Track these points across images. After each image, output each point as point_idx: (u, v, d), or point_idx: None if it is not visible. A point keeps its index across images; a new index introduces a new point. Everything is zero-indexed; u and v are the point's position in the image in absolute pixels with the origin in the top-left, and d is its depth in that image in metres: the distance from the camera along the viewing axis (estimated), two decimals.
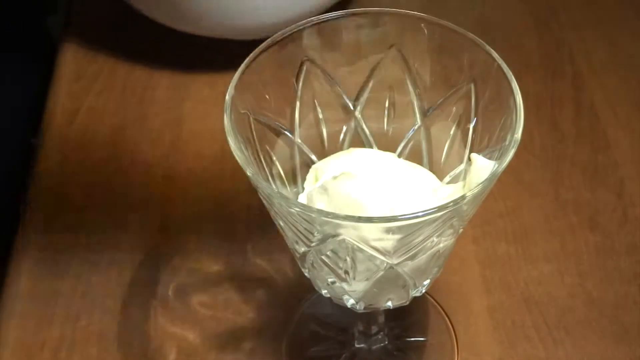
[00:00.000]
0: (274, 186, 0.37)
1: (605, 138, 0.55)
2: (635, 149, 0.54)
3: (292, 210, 0.30)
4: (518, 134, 0.31)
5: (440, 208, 0.29)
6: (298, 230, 0.32)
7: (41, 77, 0.61)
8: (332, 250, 0.32)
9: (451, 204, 0.29)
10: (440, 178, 0.38)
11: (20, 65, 0.61)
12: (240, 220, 0.51)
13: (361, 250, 0.31)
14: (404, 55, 0.37)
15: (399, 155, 0.39)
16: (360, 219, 0.30)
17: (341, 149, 0.40)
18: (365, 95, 0.39)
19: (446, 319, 0.47)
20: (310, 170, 0.38)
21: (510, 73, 0.33)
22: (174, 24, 0.58)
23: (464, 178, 0.36)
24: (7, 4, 0.59)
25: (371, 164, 0.37)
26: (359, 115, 0.39)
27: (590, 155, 0.54)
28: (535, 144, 0.54)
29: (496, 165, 0.32)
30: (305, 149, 0.39)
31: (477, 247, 0.49)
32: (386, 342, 0.46)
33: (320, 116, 0.39)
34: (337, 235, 0.30)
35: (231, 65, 0.35)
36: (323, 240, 0.31)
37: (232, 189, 0.52)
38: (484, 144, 0.35)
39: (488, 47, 0.34)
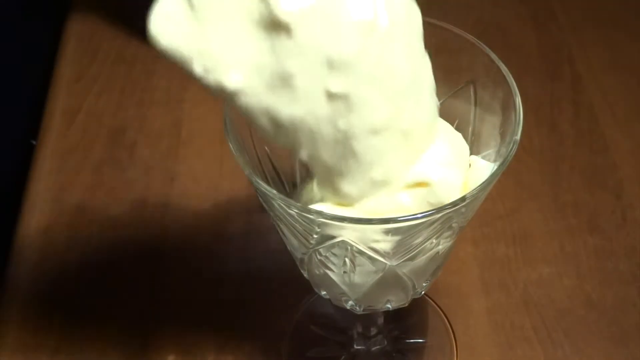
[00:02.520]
0: (272, 187, 0.37)
1: (604, 140, 0.55)
2: (634, 150, 0.54)
3: (291, 212, 0.30)
4: (517, 136, 0.31)
5: (439, 209, 0.29)
6: (297, 231, 0.32)
7: (41, 78, 0.61)
8: (331, 252, 0.32)
9: (450, 205, 0.29)
10: None
11: (20, 66, 0.61)
12: (239, 221, 0.51)
13: (360, 251, 0.31)
14: None
15: None
16: (359, 221, 0.30)
17: None
18: None
19: (445, 320, 0.47)
20: None
21: (510, 75, 0.33)
22: None
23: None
24: (7, 5, 0.59)
25: None
26: None
27: (589, 157, 0.54)
28: (535, 145, 0.55)
29: (495, 167, 0.32)
30: None
31: (476, 249, 0.49)
32: (385, 344, 0.46)
33: None
34: (336, 236, 0.30)
35: None
36: (322, 242, 0.31)
37: (231, 189, 0.52)
38: (483, 146, 0.35)
39: (487, 49, 0.34)
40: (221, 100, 0.32)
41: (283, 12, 0.26)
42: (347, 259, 0.32)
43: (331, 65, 0.27)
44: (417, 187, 0.31)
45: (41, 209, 0.52)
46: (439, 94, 0.36)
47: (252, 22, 0.27)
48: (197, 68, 0.27)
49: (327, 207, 0.32)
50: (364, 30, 0.27)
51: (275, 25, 0.27)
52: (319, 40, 0.27)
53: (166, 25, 0.27)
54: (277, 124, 0.28)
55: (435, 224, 0.30)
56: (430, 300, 0.47)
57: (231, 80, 0.27)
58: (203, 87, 0.28)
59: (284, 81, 0.27)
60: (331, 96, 0.28)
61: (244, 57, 0.27)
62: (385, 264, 0.32)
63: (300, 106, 0.28)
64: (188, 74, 0.28)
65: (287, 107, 0.28)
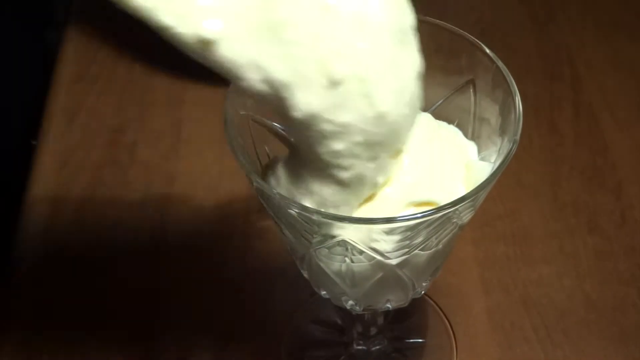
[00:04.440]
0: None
1: (603, 140, 0.55)
2: (633, 151, 0.54)
3: (291, 211, 0.30)
4: (517, 136, 0.31)
5: (438, 209, 0.29)
6: (297, 231, 0.32)
7: (41, 78, 0.61)
8: (331, 251, 0.32)
9: (450, 205, 0.29)
10: None
11: (20, 66, 0.61)
12: (239, 221, 0.51)
13: (360, 251, 0.31)
14: None
15: None
16: (359, 220, 0.30)
17: None
18: None
19: (445, 320, 0.47)
20: None
21: (510, 75, 0.33)
22: None
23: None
24: (8, 5, 0.59)
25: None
26: None
27: (588, 157, 0.54)
28: (534, 146, 0.55)
29: (495, 167, 0.32)
30: None
31: (476, 249, 0.49)
32: (385, 344, 0.46)
33: None
34: (335, 236, 0.30)
35: None
36: (322, 241, 0.31)
37: (231, 190, 0.52)
38: (483, 146, 0.35)
39: (487, 49, 0.34)
40: (221, 100, 0.32)
41: None
42: (347, 259, 0.32)
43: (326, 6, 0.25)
44: (423, 205, 0.31)
45: (41, 209, 0.52)
46: (438, 94, 0.37)
47: None
48: (167, 17, 0.24)
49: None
50: None
51: None
52: None
53: None
54: (268, 79, 0.26)
55: (435, 224, 0.30)
56: (430, 300, 0.47)
57: (210, 26, 0.24)
58: (177, 45, 0.25)
59: (274, 29, 0.25)
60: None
61: (222, 1, 0.24)
62: (385, 263, 0.32)
63: (293, 57, 0.25)
64: (154, 26, 0.24)
65: (279, 60, 0.25)
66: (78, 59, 0.61)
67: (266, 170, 0.34)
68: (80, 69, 0.60)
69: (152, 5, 0.24)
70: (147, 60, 0.61)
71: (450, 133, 0.35)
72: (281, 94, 0.26)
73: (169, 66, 0.60)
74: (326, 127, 0.27)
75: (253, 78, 0.26)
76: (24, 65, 0.62)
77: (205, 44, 0.24)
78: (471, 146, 0.35)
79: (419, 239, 0.31)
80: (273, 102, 0.27)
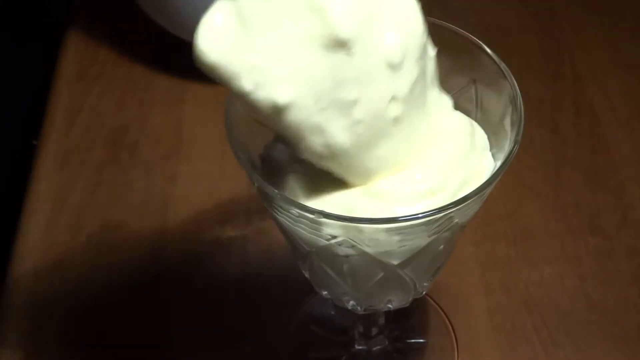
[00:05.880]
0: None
1: (605, 140, 0.55)
2: (635, 151, 0.54)
3: (292, 211, 0.30)
4: (519, 136, 0.31)
5: (440, 209, 0.29)
6: (298, 230, 0.32)
7: (42, 78, 0.61)
8: (332, 251, 0.32)
9: (451, 205, 0.29)
10: None
11: (21, 66, 0.61)
12: (240, 221, 0.51)
13: (362, 251, 0.31)
14: None
15: None
16: (360, 220, 0.30)
17: None
18: None
19: (446, 320, 0.47)
20: None
21: (511, 75, 0.33)
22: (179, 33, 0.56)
23: None
24: (8, 5, 0.59)
25: None
26: None
27: (590, 157, 0.54)
28: (536, 146, 0.55)
29: (497, 167, 0.32)
30: None
31: (478, 249, 0.49)
32: (386, 344, 0.46)
33: None
34: (337, 236, 0.30)
35: None
36: (323, 241, 0.31)
37: (232, 189, 0.52)
38: None
39: (488, 49, 0.34)
40: (222, 100, 0.32)
41: (342, 31, 0.26)
42: (348, 259, 0.32)
43: (392, 67, 0.28)
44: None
45: (42, 209, 0.52)
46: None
47: (305, 37, 0.27)
48: (247, 83, 0.26)
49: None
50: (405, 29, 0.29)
51: (332, 42, 0.26)
52: (376, 47, 0.27)
53: (216, 39, 0.26)
54: (329, 144, 0.29)
55: (437, 224, 0.30)
56: (431, 301, 0.47)
57: (283, 94, 0.27)
58: (247, 104, 0.27)
59: (343, 105, 0.28)
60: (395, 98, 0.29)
61: (296, 71, 0.27)
62: (387, 263, 0.32)
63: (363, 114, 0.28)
64: (233, 90, 0.27)
65: (343, 131, 0.28)
66: (79, 59, 0.61)
67: (263, 163, 0.34)
68: (81, 69, 0.60)
69: (237, 71, 0.26)
70: (149, 60, 0.61)
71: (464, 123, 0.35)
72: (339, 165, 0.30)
73: (170, 66, 0.60)
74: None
75: (314, 141, 0.28)
76: (24, 65, 0.62)
77: (278, 109, 0.27)
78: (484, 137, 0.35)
79: (421, 239, 0.31)
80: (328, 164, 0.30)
